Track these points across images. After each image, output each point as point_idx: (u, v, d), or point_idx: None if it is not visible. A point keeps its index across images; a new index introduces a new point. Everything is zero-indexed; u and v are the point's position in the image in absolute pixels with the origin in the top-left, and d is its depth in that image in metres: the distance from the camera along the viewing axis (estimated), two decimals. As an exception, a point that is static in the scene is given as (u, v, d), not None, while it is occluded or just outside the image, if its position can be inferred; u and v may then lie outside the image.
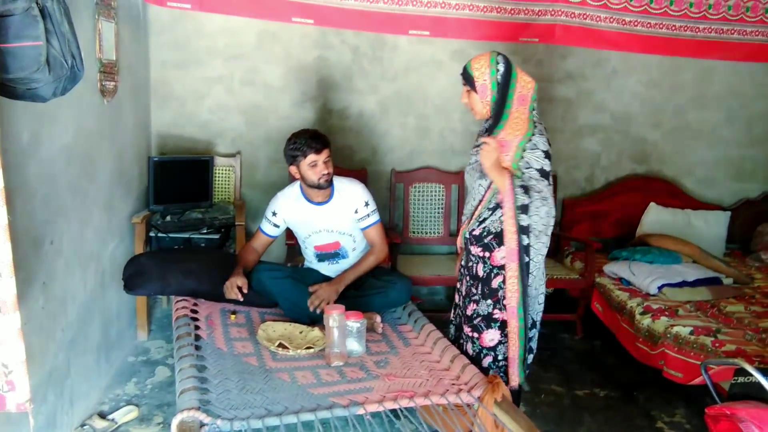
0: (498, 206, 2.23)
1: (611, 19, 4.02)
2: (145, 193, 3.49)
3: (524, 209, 2.16)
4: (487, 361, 2.32)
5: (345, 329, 2.29)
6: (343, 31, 3.87)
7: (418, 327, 2.61)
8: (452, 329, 2.55)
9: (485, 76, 2.19)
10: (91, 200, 2.68)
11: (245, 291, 2.67)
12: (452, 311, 2.58)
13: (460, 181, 4.08)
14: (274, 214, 2.87)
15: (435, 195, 4.09)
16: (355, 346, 2.34)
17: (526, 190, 2.15)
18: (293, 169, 2.75)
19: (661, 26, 4.09)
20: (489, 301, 2.29)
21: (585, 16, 3.99)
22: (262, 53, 3.84)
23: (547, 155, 2.19)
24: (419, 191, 4.08)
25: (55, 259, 2.27)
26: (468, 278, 2.39)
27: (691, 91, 4.34)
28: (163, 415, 2.67)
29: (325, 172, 2.70)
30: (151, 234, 3.32)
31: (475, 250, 2.33)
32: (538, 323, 2.36)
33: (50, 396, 2.25)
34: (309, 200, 2.82)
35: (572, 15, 3.97)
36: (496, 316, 2.28)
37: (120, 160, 3.09)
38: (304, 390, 2.05)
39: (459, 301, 2.49)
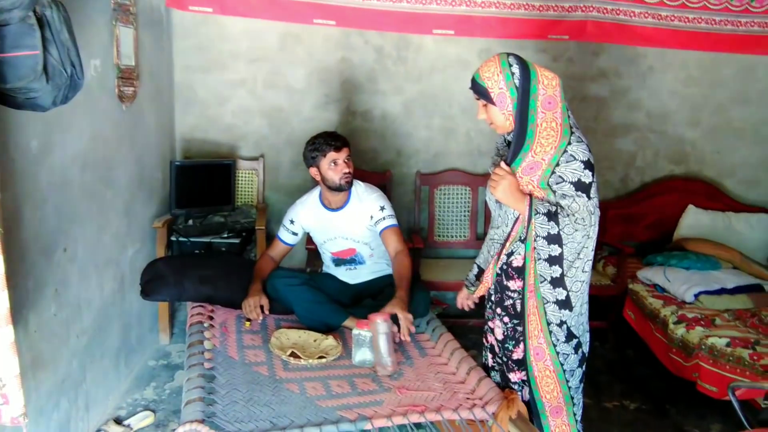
0: None
1: (646, 14, 3.85)
2: (168, 198, 3.50)
3: (553, 239, 1.84)
4: None
5: (391, 337, 2.21)
6: (367, 32, 3.81)
7: (435, 336, 2.53)
8: (496, 376, 2.18)
9: (500, 84, 1.82)
10: (109, 206, 2.69)
11: (267, 312, 2.62)
12: (489, 355, 2.21)
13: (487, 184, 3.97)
14: (292, 222, 2.85)
15: (461, 198, 3.99)
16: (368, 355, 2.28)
17: (552, 216, 1.83)
18: (314, 170, 2.71)
19: (699, 21, 3.90)
20: None
21: (618, 12, 3.82)
22: (285, 55, 3.81)
23: (588, 165, 1.82)
24: (445, 194, 3.99)
25: (68, 266, 2.27)
26: (507, 318, 2.04)
27: (732, 88, 4.13)
28: (178, 421, 2.65)
29: (346, 171, 2.66)
30: (173, 238, 3.33)
31: (518, 284, 1.98)
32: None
33: (63, 402, 2.26)
34: (326, 206, 2.78)
35: (604, 11, 3.81)
36: None
37: (140, 165, 3.10)
38: (312, 402, 2.00)
39: (494, 343, 2.15)
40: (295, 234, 2.86)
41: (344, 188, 2.70)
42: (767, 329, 2.85)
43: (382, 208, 2.74)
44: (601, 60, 4.02)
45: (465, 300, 2.34)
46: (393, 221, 2.75)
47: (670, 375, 2.96)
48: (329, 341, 2.46)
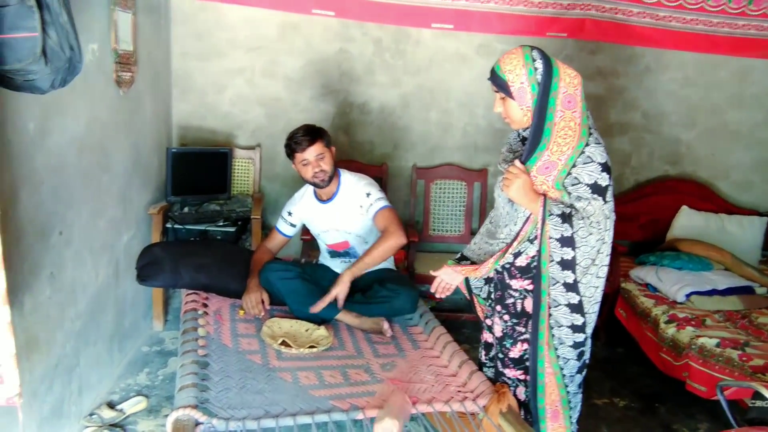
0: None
1: (644, 14, 3.86)
2: (164, 184, 3.49)
3: (566, 242, 1.78)
4: None
5: None
6: (366, 23, 3.80)
7: (428, 329, 2.54)
8: (489, 372, 2.18)
9: (522, 78, 1.76)
10: (105, 191, 2.68)
11: (267, 306, 2.62)
12: (483, 351, 2.21)
13: (483, 179, 3.99)
14: (290, 214, 2.86)
15: (457, 192, 4.00)
16: None
17: (566, 218, 1.77)
18: (294, 167, 2.72)
19: (697, 22, 3.91)
20: None
21: (616, 11, 3.83)
22: (283, 45, 3.80)
23: (606, 168, 1.77)
24: (440, 188, 4.00)
25: (63, 250, 2.27)
26: (507, 317, 2.01)
27: (728, 91, 4.15)
28: (171, 407, 2.66)
29: (317, 170, 2.62)
30: (168, 225, 3.32)
31: (520, 283, 1.95)
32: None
33: (57, 385, 2.25)
34: (318, 199, 2.79)
35: (603, 9, 3.82)
36: None
37: (137, 151, 3.09)
38: (304, 391, 2.01)
39: (492, 340, 2.14)
40: (293, 226, 2.87)
41: (319, 185, 2.68)
42: (757, 331, 2.88)
43: (368, 194, 2.69)
44: (599, 59, 4.03)
45: (441, 284, 2.12)
46: (383, 203, 2.67)
47: (660, 373, 2.99)
48: (321, 331, 2.47)
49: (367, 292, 2.63)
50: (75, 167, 2.35)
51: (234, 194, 3.74)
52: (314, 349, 2.31)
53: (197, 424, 1.75)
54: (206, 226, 3.37)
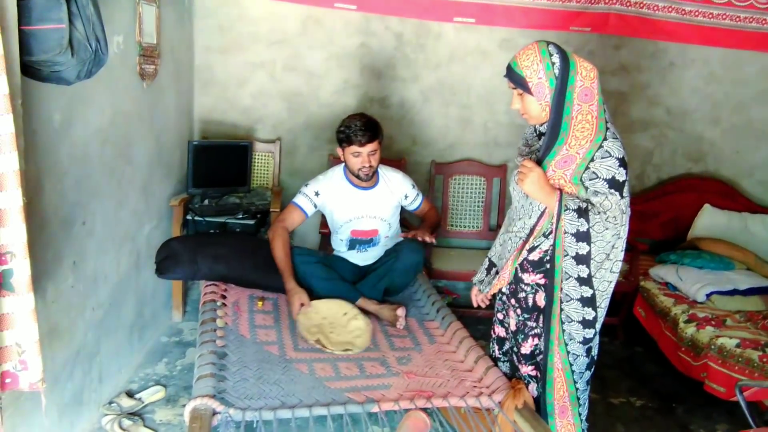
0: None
1: (669, 9, 3.80)
2: (185, 177, 3.52)
3: (582, 236, 1.78)
4: None
5: None
6: (388, 17, 3.80)
7: (445, 324, 2.54)
8: (504, 367, 2.17)
9: (539, 73, 1.76)
10: (128, 182, 2.72)
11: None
12: (495, 346, 2.20)
13: (503, 175, 3.97)
14: (317, 194, 2.82)
15: (475, 188, 3.99)
16: None
17: (582, 212, 1.77)
18: (339, 151, 2.77)
19: (724, 17, 3.85)
20: None
21: (641, 5, 3.78)
22: (305, 39, 3.81)
23: (623, 163, 1.76)
24: (459, 184, 3.99)
25: (86, 239, 2.31)
26: (519, 311, 2.00)
27: (755, 87, 4.07)
28: (189, 397, 2.70)
29: (366, 165, 2.71)
30: (188, 217, 3.36)
31: (532, 277, 1.94)
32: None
33: (77, 373, 2.30)
34: (353, 184, 2.82)
35: (627, 3, 3.77)
36: None
37: (159, 143, 3.12)
38: (321, 383, 2.03)
39: (505, 334, 2.14)
40: (315, 206, 2.84)
41: (362, 179, 2.75)
42: (778, 331, 2.84)
43: (413, 186, 2.97)
44: (622, 54, 3.98)
45: (477, 296, 2.21)
46: (422, 194, 3.03)
47: (678, 373, 2.96)
48: (359, 322, 2.45)
49: (378, 269, 2.76)
50: (98, 158, 2.39)
51: (254, 187, 3.76)
52: (350, 352, 2.27)
53: (214, 413, 1.78)
54: (226, 218, 3.40)
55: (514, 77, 1.81)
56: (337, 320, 2.46)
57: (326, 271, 2.71)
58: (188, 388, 2.77)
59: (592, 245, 1.79)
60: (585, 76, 1.77)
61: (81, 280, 2.27)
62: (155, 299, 3.21)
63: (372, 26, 3.82)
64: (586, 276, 1.82)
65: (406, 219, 3.33)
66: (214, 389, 1.86)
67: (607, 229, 1.77)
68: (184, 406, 2.62)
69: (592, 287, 1.83)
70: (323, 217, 3.00)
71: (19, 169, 1.39)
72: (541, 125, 1.88)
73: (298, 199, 2.83)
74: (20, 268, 1.42)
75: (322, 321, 2.41)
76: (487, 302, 2.21)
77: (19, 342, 1.46)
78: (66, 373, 2.20)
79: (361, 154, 2.68)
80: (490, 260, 2.18)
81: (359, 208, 2.83)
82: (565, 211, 1.79)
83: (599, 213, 1.77)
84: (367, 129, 2.66)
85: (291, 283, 2.59)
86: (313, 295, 2.60)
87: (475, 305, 2.23)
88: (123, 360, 2.79)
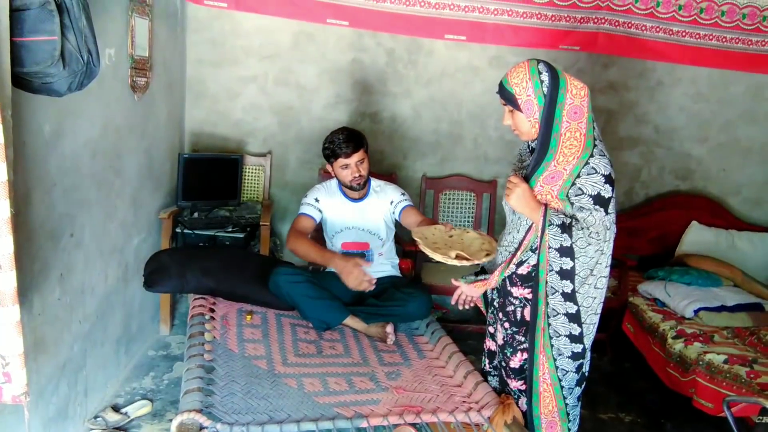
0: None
1: (657, 29, 3.86)
2: (174, 190, 3.51)
3: (565, 252, 1.80)
4: None
5: None
6: (379, 33, 3.83)
7: (434, 339, 2.54)
8: (494, 381, 2.17)
9: (528, 91, 1.80)
10: (117, 194, 2.71)
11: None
12: (486, 360, 2.20)
13: (492, 190, 4.00)
14: (317, 200, 2.89)
15: (466, 203, 4.01)
16: None
17: (566, 228, 1.79)
18: (329, 167, 2.83)
19: (710, 37, 3.91)
20: None
21: (630, 25, 3.84)
22: (297, 54, 3.83)
23: (609, 180, 1.79)
24: (450, 199, 4.00)
25: (74, 252, 2.29)
26: (507, 324, 2.01)
27: (741, 107, 4.13)
28: (175, 411, 2.66)
29: (357, 174, 2.76)
30: (178, 230, 3.34)
31: (520, 291, 1.96)
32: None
33: (63, 386, 2.27)
34: (346, 196, 2.87)
35: (616, 23, 3.83)
36: None
37: (149, 155, 3.12)
38: (309, 398, 2.01)
39: (495, 348, 2.13)
40: (320, 211, 2.89)
41: (355, 189, 2.80)
42: (765, 348, 2.85)
43: (403, 194, 2.94)
44: (611, 72, 4.03)
45: (460, 296, 2.12)
46: (411, 202, 2.94)
47: (667, 389, 2.96)
48: (471, 234, 2.32)
49: (382, 296, 2.66)
50: (88, 170, 2.38)
51: (244, 201, 3.76)
52: (490, 257, 2.09)
53: (201, 428, 1.76)
54: (215, 231, 3.39)
55: (505, 94, 1.85)
56: (452, 242, 2.29)
57: (314, 290, 2.64)
58: (175, 402, 2.74)
59: (576, 260, 1.81)
60: (575, 95, 1.80)
61: (68, 293, 2.25)
62: (143, 312, 3.19)
63: (364, 42, 3.84)
64: (570, 291, 1.84)
65: (401, 237, 3.31)
66: (201, 404, 1.85)
67: (590, 244, 1.79)
68: (170, 420, 2.59)
69: (576, 303, 1.85)
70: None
71: (8, 179, 1.38)
72: (533, 141, 1.91)
73: (303, 209, 2.90)
74: (6, 280, 1.41)
75: (439, 240, 2.27)
76: (468, 306, 2.15)
77: (3, 354, 1.44)
78: (51, 387, 2.17)
79: (350, 165, 2.73)
80: (482, 267, 2.19)
81: (349, 220, 2.87)
82: (549, 226, 1.81)
83: (582, 228, 1.79)
84: (350, 140, 2.72)
85: (333, 254, 2.69)
86: (299, 317, 2.65)
87: (453, 302, 2.15)
88: (109, 373, 2.76)
